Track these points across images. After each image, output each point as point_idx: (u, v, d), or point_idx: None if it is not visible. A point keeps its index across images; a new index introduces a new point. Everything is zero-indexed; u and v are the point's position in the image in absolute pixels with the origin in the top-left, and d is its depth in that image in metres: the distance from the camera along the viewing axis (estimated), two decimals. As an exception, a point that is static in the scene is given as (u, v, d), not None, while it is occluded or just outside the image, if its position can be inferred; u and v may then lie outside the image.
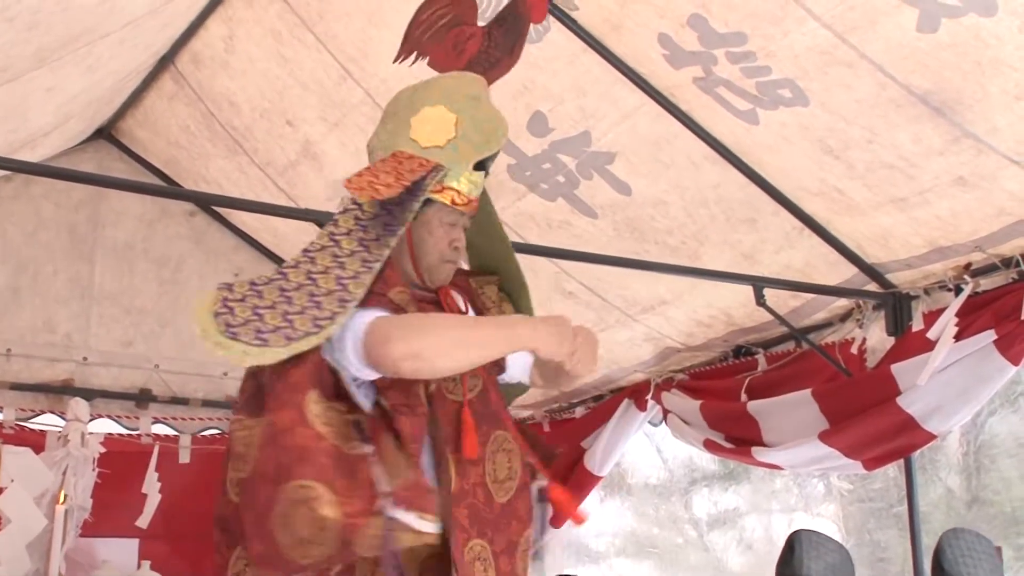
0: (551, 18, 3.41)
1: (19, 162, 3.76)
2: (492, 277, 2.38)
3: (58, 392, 5.17)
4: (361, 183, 1.99)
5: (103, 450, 4.78)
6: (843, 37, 2.93)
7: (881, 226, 3.60)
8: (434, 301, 2.18)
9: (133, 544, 5.15)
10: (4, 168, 4.10)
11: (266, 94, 4.43)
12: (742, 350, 4.56)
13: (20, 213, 5.27)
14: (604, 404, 5.21)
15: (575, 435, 5.22)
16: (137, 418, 5.33)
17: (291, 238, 5.40)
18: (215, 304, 1.89)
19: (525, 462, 2.14)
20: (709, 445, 4.45)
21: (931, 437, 3.62)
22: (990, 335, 3.41)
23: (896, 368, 3.67)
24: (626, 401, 5.00)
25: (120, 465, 4.94)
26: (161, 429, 5.41)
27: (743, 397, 4.31)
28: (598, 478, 5.12)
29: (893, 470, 4.44)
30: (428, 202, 2.11)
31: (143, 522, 5.00)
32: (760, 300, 3.76)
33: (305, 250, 1.98)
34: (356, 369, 1.92)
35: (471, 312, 2.27)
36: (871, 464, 3.84)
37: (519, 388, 2.44)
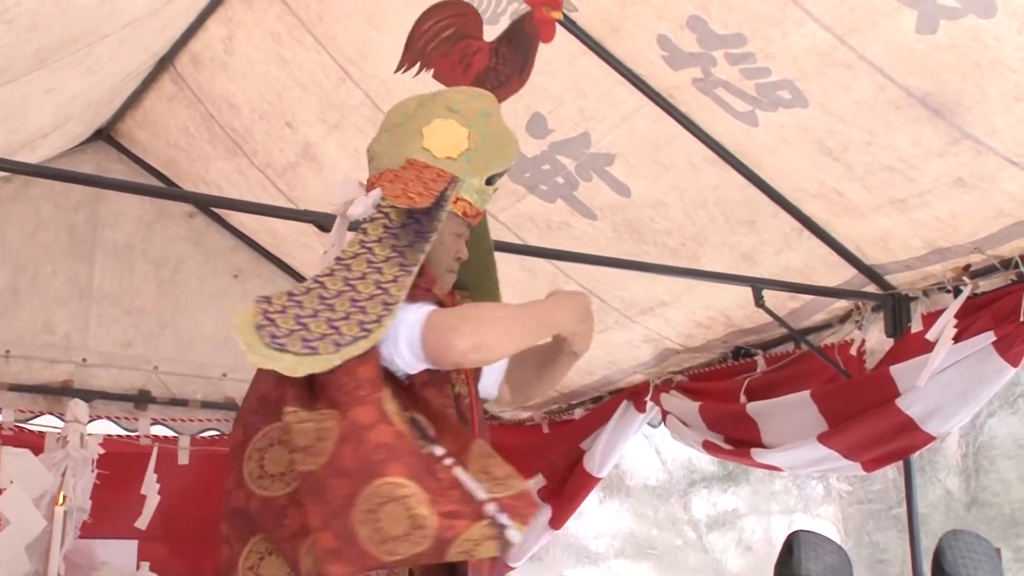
0: (550, 20, 3.42)
1: (18, 163, 3.76)
2: (465, 292, 2.39)
3: (57, 393, 5.17)
4: (395, 191, 2.01)
5: (102, 451, 4.77)
6: (842, 39, 2.94)
7: (880, 227, 3.61)
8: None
9: (132, 545, 5.14)
10: (3, 169, 4.10)
11: (265, 96, 4.43)
12: (741, 351, 4.56)
13: (19, 214, 5.27)
14: (603, 406, 5.21)
15: (574, 436, 5.22)
16: (136, 419, 5.33)
17: (290, 239, 5.41)
18: (256, 317, 1.90)
19: None
20: (708, 446, 4.45)
21: (930, 439, 3.62)
22: (989, 336, 3.41)
23: (895, 369, 3.67)
24: (625, 402, 5.00)
25: (119, 466, 4.94)
26: (160, 430, 5.41)
27: (742, 398, 4.31)
28: (597, 479, 5.12)
29: (892, 472, 4.45)
30: None
31: (142, 523, 4.99)
32: (759, 301, 3.76)
33: (338, 258, 1.98)
34: (408, 365, 1.93)
35: None
36: (870, 466, 3.84)
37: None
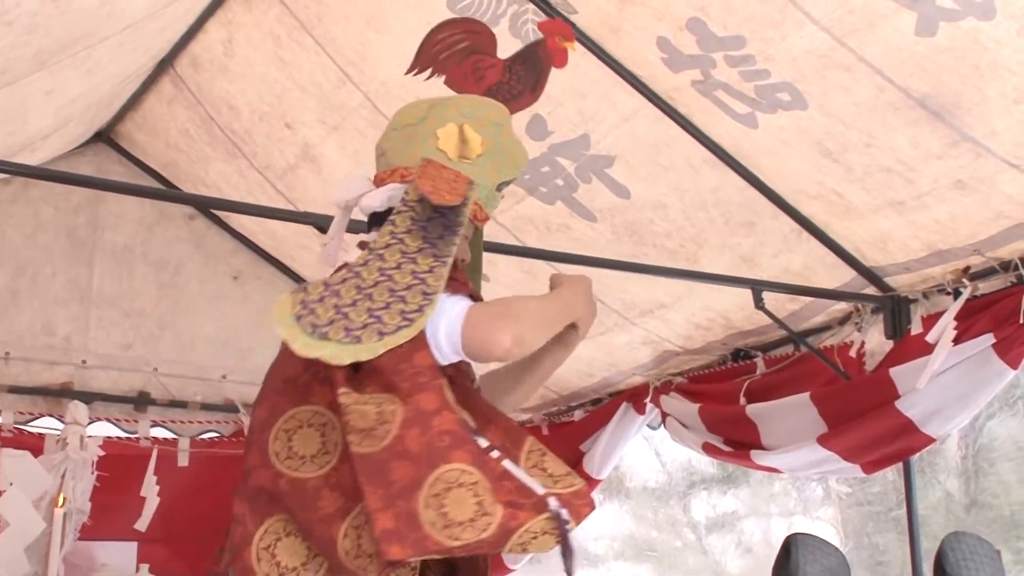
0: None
1: (18, 165, 3.76)
2: None
3: (57, 395, 5.17)
4: (427, 186, 2.03)
5: (102, 453, 4.76)
6: (841, 40, 2.94)
7: (880, 229, 3.61)
8: None
9: (132, 547, 5.14)
10: (3, 171, 4.10)
11: (265, 97, 4.43)
12: (741, 353, 4.56)
13: (19, 216, 5.27)
14: (603, 407, 5.21)
15: (574, 438, 5.22)
16: (136, 421, 5.34)
17: (290, 241, 5.41)
18: (294, 307, 1.89)
19: None
20: (708, 448, 4.45)
21: (930, 440, 3.62)
22: (988, 338, 3.41)
23: (895, 371, 3.67)
24: (625, 404, 5.00)
25: (119, 468, 4.93)
26: (160, 432, 5.41)
27: (742, 400, 4.31)
28: (597, 481, 5.12)
29: (892, 474, 4.45)
30: None
31: (142, 525, 4.99)
32: (759, 303, 3.76)
33: (370, 248, 1.99)
34: (444, 357, 1.93)
35: None
36: (870, 468, 3.84)
37: None
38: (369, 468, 1.78)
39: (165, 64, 4.59)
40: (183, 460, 5.37)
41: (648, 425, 5.03)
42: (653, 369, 4.90)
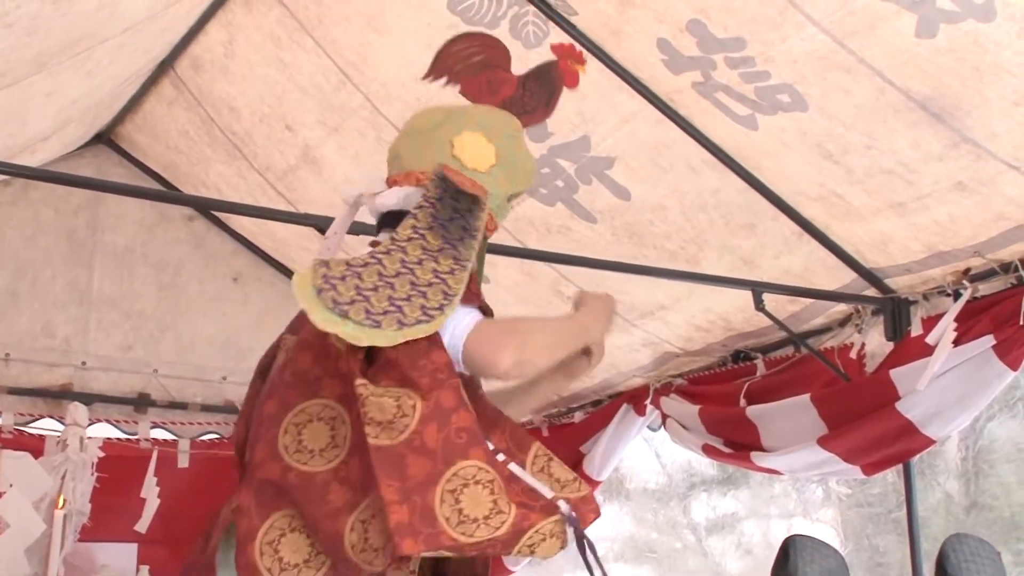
0: (549, 22, 3.43)
1: (18, 167, 3.76)
2: None
3: (57, 396, 5.17)
4: (460, 180, 2.05)
5: (102, 454, 4.77)
6: (842, 42, 2.94)
7: (880, 231, 3.61)
8: None
9: (132, 549, 5.15)
10: (3, 173, 4.09)
11: (265, 99, 4.43)
12: (741, 355, 4.56)
13: (19, 217, 5.27)
14: (603, 409, 5.21)
15: (574, 440, 5.22)
16: (136, 423, 5.34)
17: (290, 242, 5.41)
18: (316, 280, 1.89)
19: None
20: (708, 450, 4.45)
21: (930, 442, 3.62)
22: (989, 340, 3.41)
23: (895, 373, 3.66)
24: (625, 406, 4.99)
25: (119, 470, 4.94)
26: (160, 434, 5.41)
27: (742, 402, 4.31)
28: (597, 483, 5.12)
29: (892, 475, 4.45)
30: None
31: (142, 527, 4.99)
32: (759, 305, 3.76)
33: (393, 238, 1.99)
34: None
35: None
36: (870, 469, 3.84)
37: None
38: (386, 460, 1.79)
39: (165, 66, 4.59)
40: (183, 461, 5.38)
41: (648, 427, 5.03)
42: (653, 371, 4.90)
